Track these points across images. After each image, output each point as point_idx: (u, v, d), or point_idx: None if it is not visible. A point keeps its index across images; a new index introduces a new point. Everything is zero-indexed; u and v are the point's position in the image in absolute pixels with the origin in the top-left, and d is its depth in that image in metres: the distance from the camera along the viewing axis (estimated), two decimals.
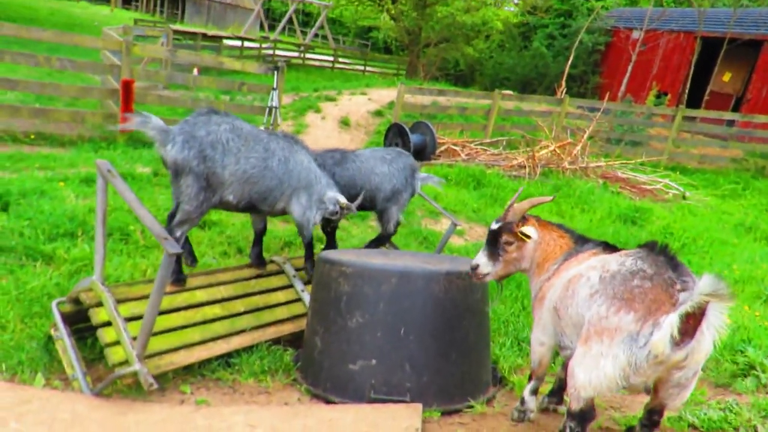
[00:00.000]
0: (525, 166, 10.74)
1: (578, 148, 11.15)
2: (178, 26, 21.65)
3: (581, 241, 2.90)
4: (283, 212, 4.09)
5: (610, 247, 2.76)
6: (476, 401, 3.16)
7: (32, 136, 8.33)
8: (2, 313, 3.48)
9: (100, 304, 3.13)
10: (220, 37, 22.48)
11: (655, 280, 2.26)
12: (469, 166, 10.48)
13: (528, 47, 21.84)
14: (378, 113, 14.35)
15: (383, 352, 3.09)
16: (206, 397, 3.10)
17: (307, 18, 35.52)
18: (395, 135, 11.26)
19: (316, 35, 30.69)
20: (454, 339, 3.17)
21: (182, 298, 3.51)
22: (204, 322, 3.45)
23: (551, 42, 21.01)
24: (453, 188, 9.45)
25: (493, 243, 2.93)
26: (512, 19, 21.00)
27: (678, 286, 2.23)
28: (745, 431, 2.62)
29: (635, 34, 18.16)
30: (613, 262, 2.45)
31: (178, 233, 3.57)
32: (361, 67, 25.82)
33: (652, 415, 2.52)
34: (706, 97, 16.98)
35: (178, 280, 3.62)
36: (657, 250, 2.42)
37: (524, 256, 2.94)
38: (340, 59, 26.14)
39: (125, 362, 2.93)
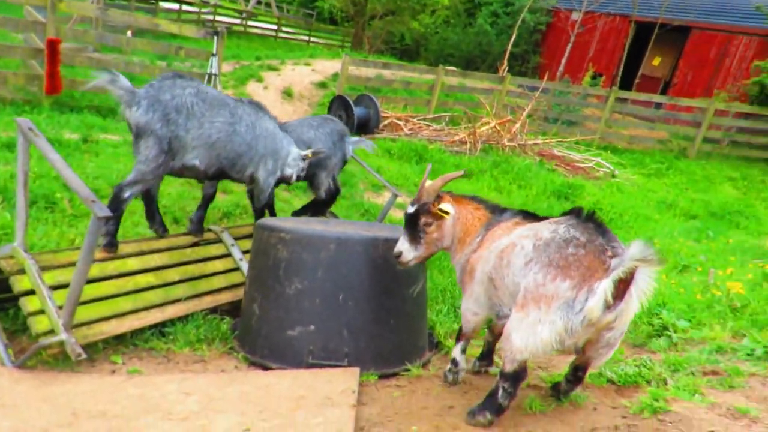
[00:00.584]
0: (466, 142, 10.93)
1: (517, 125, 11.44)
2: None
3: (498, 210, 2.95)
4: (252, 179, 4.13)
5: (530, 216, 2.82)
6: (412, 365, 3.25)
7: None
8: None
9: (22, 272, 2.97)
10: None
11: (588, 247, 2.34)
12: (411, 140, 10.56)
13: (472, 24, 21.96)
14: (322, 85, 14.13)
15: (322, 318, 3.12)
16: (139, 367, 3.03)
17: None
18: (339, 107, 11.14)
19: (259, 2, 29.63)
20: (391, 305, 3.23)
21: (113, 266, 3.38)
22: (136, 291, 3.35)
23: (495, 20, 21.22)
24: (396, 162, 9.51)
25: (413, 226, 2.89)
26: None
27: (609, 252, 2.33)
28: (656, 384, 2.84)
29: (574, 16, 18.66)
30: (545, 230, 2.49)
31: (127, 193, 3.50)
32: (306, 38, 25.22)
33: (577, 372, 2.68)
34: (637, 80, 17.76)
35: (110, 244, 3.52)
36: (584, 217, 2.50)
37: (445, 234, 2.93)
38: (284, 28, 25.41)
39: (50, 332, 2.81)
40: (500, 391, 2.51)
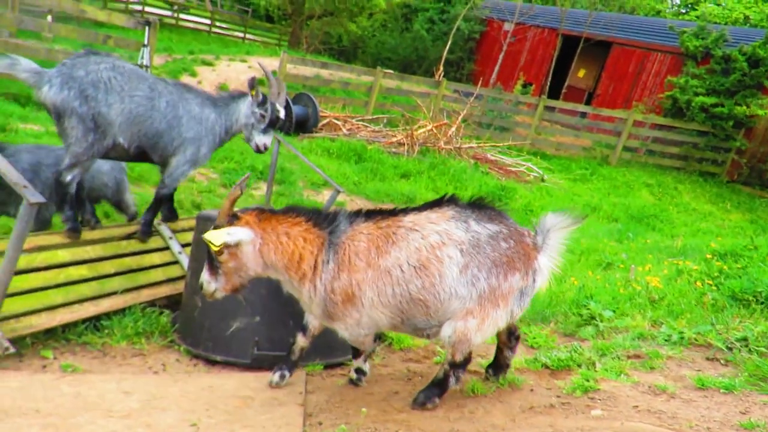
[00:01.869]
0: (404, 144, 11.11)
1: (453, 129, 11.76)
2: None
3: (326, 221, 2.54)
4: (165, 163, 3.86)
5: (375, 214, 2.57)
6: None
7: None
8: None
9: None
10: None
11: (514, 236, 2.49)
12: (350, 140, 10.62)
13: (409, 29, 22.33)
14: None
15: (267, 308, 3.10)
16: (73, 362, 2.89)
17: None
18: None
19: None
20: None
21: (42, 258, 3.21)
22: (69, 284, 3.19)
23: (431, 26, 21.67)
24: (335, 161, 9.54)
25: (209, 255, 2.50)
26: (395, 0, 21.36)
27: (525, 231, 2.55)
28: (586, 367, 3.04)
29: (506, 26, 19.41)
30: (456, 230, 2.41)
31: (68, 177, 3.42)
32: (241, 34, 24.69)
33: (511, 336, 2.87)
34: (564, 90, 18.70)
35: (74, 230, 3.48)
36: (481, 204, 2.55)
37: (246, 263, 2.47)
38: (218, 23, 24.77)
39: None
40: (451, 378, 2.64)
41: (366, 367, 2.91)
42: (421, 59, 21.28)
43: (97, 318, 3.20)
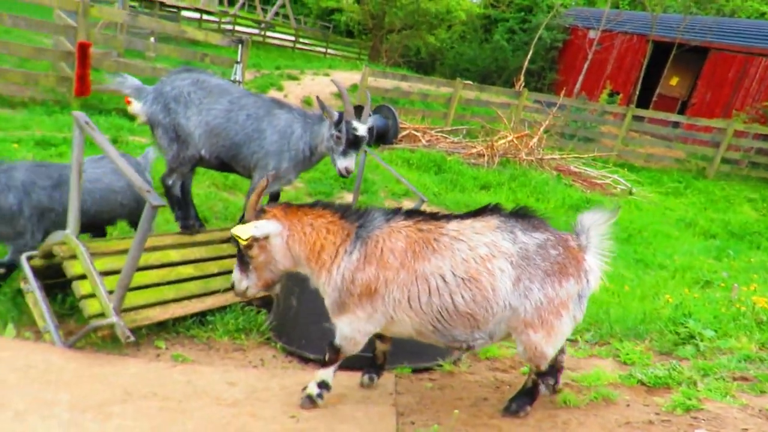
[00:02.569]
0: (484, 155, 11.04)
1: (535, 140, 11.54)
2: None
3: (356, 215, 2.50)
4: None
5: (414, 214, 2.54)
6: (444, 361, 3.33)
7: None
8: None
9: (74, 257, 3.09)
10: (178, 8, 21.75)
11: (560, 242, 2.47)
12: (430, 151, 10.69)
13: (489, 40, 22.21)
14: (340, 95, 14.34)
15: None
16: (182, 353, 3.13)
17: None
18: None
19: (277, 13, 30.10)
20: None
21: (156, 257, 3.50)
22: (178, 281, 3.46)
23: (511, 36, 21.44)
24: (415, 172, 9.64)
25: (238, 252, 2.50)
26: (475, 11, 21.30)
27: (569, 236, 2.53)
28: (687, 385, 2.90)
29: (592, 34, 18.82)
30: (504, 242, 2.39)
31: (169, 182, 3.86)
32: (323, 49, 25.56)
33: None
34: (654, 99, 17.83)
35: (185, 227, 3.86)
36: (521, 214, 2.52)
37: (276, 256, 2.47)
38: (301, 40, 25.78)
39: (101, 315, 2.92)
40: (540, 386, 2.65)
41: (330, 380, 2.64)
42: (500, 70, 21.08)
43: (202, 314, 3.45)
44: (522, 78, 14.11)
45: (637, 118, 14.43)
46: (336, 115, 3.66)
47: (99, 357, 2.90)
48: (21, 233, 3.32)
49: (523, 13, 21.88)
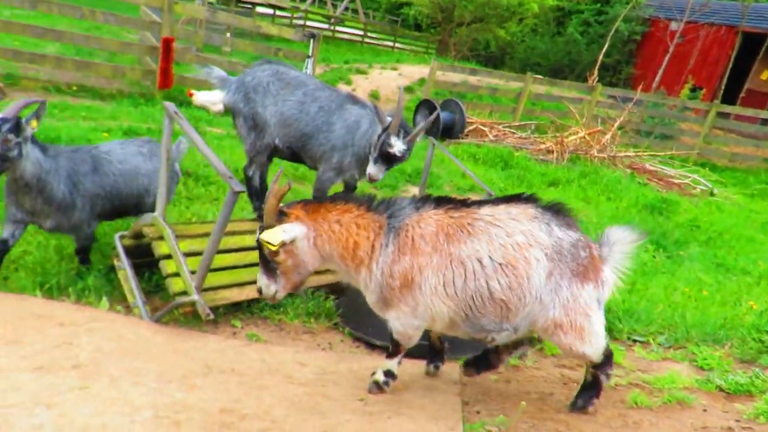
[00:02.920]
0: (553, 151, 10.77)
1: (608, 136, 11.12)
2: None
3: (382, 205, 2.46)
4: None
5: (444, 201, 2.48)
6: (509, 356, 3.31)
7: (74, 88, 8.54)
8: (64, 246, 3.71)
9: (161, 239, 3.31)
10: (254, 3, 22.49)
11: (590, 247, 2.46)
12: (497, 146, 10.54)
13: (562, 33, 21.54)
14: (408, 89, 14.37)
15: None
16: (256, 332, 3.29)
17: None
18: (424, 111, 11.31)
19: (347, 8, 30.47)
20: None
21: (233, 241, 3.69)
22: (253, 265, 3.62)
23: (586, 29, 20.69)
24: (481, 167, 9.54)
25: (262, 257, 2.41)
26: (548, 3, 20.69)
27: (592, 242, 2.52)
28: None
29: (674, 25, 17.84)
30: (540, 233, 2.37)
31: (249, 173, 4.10)
32: (390, 43, 25.66)
33: None
34: (742, 95, 16.69)
35: (262, 216, 4.03)
36: (556, 209, 2.47)
37: (305, 258, 2.39)
38: (370, 34, 25.99)
39: (184, 293, 3.12)
40: (602, 377, 2.61)
41: (395, 369, 2.66)
42: (573, 64, 20.40)
43: None
44: (596, 72, 13.58)
45: (722, 115, 13.58)
46: (386, 122, 3.60)
47: (182, 332, 3.10)
48: (77, 226, 3.28)
49: (599, 5, 21.05)
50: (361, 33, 25.22)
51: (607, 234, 2.53)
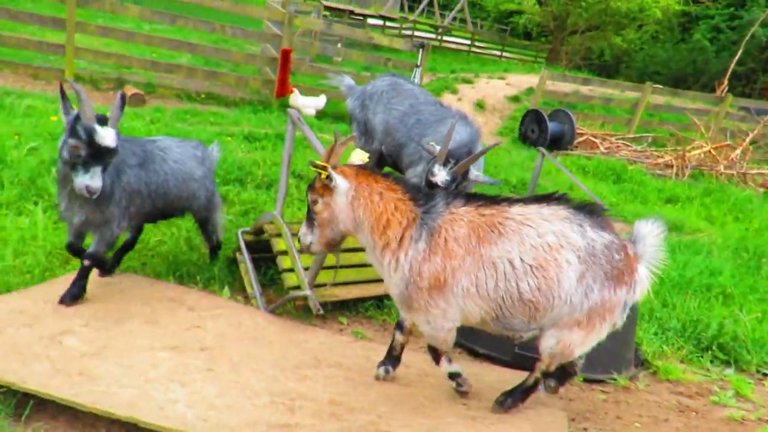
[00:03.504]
0: (672, 166, 10.10)
1: (738, 151, 10.22)
2: (327, 2, 22.70)
3: (423, 198, 2.43)
4: None
5: (474, 198, 2.45)
6: (619, 375, 3.17)
7: (203, 96, 9.34)
8: (193, 238, 4.08)
9: (279, 236, 3.55)
10: (364, 15, 23.23)
11: (625, 248, 2.38)
12: (608, 159, 10.08)
13: (687, 40, 20.09)
14: (515, 99, 14.13)
15: None
16: (361, 330, 3.42)
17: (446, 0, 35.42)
18: (532, 121, 11.08)
19: (454, 18, 30.53)
20: None
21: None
22: (360, 265, 3.77)
23: (716, 35, 19.14)
24: (590, 180, 9.16)
25: (308, 209, 2.52)
26: (673, 8, 19.35)
27: (627, 242, 2.43)
28: None
29: None
30: (573, 234, 2.31)
31: None
32: (498, 52, 25.34)
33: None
34: None
35: None
36: (589, 209, 2.40)
37: (337, 214, 2.43)
38: (477, 43, 25.83)
39: (297, 287, 3.32)
40: (541, 385, 2.59)
41: (457, 368, 2.68)
42: (698, 73, 18.97)
43: (379, 298, 3.72)
44: (726, 82, 12.54)
45: None
46: (434, 152, 3.56)
47: (294, 324, 3.29)
48: (108, 221, 2.91)
49: (732, 9, 19.40)
50: (468, 42, 25.15)
51: (636, 229, 2.46)
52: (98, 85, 8.62)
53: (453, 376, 2.68)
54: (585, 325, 2.36)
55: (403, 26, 25.27)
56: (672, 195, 8.88)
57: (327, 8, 20.08)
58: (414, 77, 10.29)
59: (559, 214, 2.35)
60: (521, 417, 2.50)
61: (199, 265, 3.79)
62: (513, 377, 2.98)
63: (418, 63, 10.36)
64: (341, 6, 21.56)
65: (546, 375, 2.58)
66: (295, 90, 9.29)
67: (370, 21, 24.04)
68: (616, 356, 3.25)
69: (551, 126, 10.70)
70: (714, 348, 3.62)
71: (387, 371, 2.81)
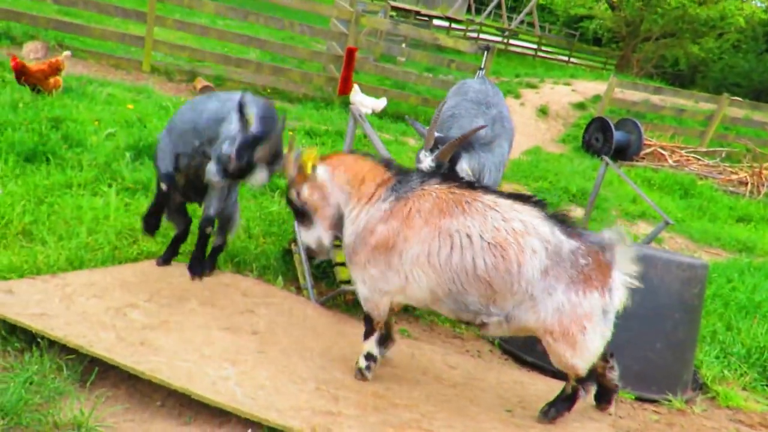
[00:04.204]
0: (747, 183, 9.56)
1: None
2: (394, 2, 22.84)
3: (399, 170, 2.54)
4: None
5: (451, 179, 2.48)
6: (674, 396, 3.04)
7: (268, 90, 9.61)
8: (251, 227, 4.22)
9: None
10: (430, 16, 23.21)
11: (591, 253, 2.32)
12: (677, 173, 9.66)
13: None
14: (580, 105, 13.74)
15: None
16: (407, 329, 3.44)
17: (515, 2, 34.83)
18: (597, 129, 10.75)
19: (522, 21, 30.00)
20: (661, 329, 3.07)
21: None
22: None
23: None
24: (656, 193, 8.81)
25: (294, 209, 2.61)
26: (759, 16, 18.20)
27: (603, 247, 2.35)
28: None
29: None
30: (543, 227, 2.31)
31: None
32: (565, 58, 24.69)
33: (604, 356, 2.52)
34: None
35: None
36: (564, 218, 2.39)
37: (330, 190, 2.53)
38: (543, 48, 25.27)
39: (348, 282, 3.37)
40: (582, 391, 2.50)
41: (378, 351, 2.63)
42: None
43: None
44: None
45: None
46: (423, 132, 3.60)
47: (342, 317, 3.35)
48: (157, 168, 3.18)
49: None
50: (535, 47, 24.65)
51: (604, 237, 2.38)
52: (172, 76, 9.03)
53: (369, 357, 2.65)
54: (561, 336, 2.32)
55: (469, 28, 25.07)
56: (744, 214, 8.41)
57: (394, 8, 20.18)
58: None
59: (531, 213, 2.38)
60: (566, 429, 2.45)
61: (255, 253, 3.91)
62: (560, 387, 2.92)
63: (482, 65, 10.25)
64: (408, 6, 21.61)
65: (582, 381, 2.49)
66: (356, 86, 9.42)
67: (436, 22, 23.99)
68: (672, 376, 3.13)
69: (617, 135, 10.35)
70: None
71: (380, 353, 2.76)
